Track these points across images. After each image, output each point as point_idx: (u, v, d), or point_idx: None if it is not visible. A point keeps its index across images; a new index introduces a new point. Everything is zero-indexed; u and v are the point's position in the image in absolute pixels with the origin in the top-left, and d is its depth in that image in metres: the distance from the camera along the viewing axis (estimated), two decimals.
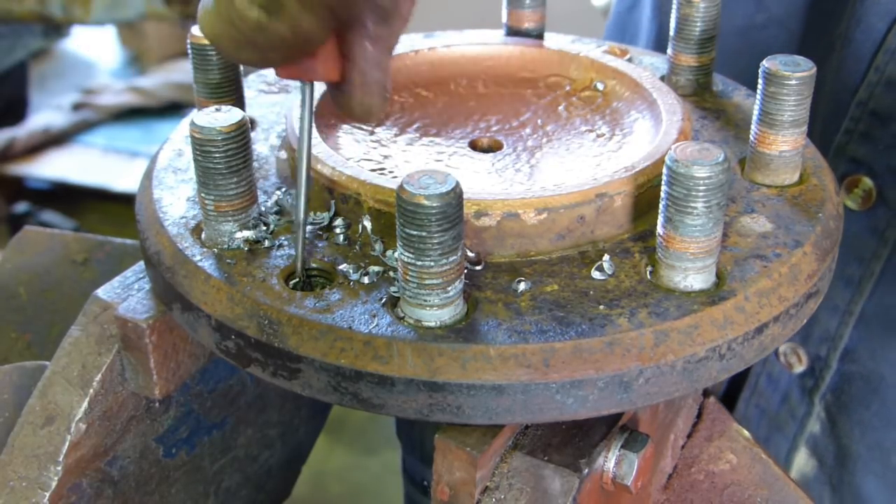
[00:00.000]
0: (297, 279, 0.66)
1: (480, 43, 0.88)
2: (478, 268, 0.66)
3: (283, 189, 0.73)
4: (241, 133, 0.65)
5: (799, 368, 1.08)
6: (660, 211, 0.62)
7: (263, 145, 0.79)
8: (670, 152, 0.61)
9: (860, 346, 1.04)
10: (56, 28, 3.14)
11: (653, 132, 0.75)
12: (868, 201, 0.99)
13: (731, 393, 1.16)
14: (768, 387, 1.11)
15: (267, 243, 0.68)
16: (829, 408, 1.07)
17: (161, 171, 0.77)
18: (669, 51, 0.86)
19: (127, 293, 0.73)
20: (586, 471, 0.62)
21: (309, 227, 0.69)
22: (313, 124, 0.67)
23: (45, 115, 3.25)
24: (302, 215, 0.66)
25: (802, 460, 1.10)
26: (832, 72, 1.02)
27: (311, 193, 0.68)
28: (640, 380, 0.60)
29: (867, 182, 0.99)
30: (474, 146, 0.78)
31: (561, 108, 0.82)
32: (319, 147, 0.72)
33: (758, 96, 0.72)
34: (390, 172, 0.74)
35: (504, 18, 0.94)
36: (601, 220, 0.68)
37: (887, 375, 1.03)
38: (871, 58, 0.97)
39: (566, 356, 0.59)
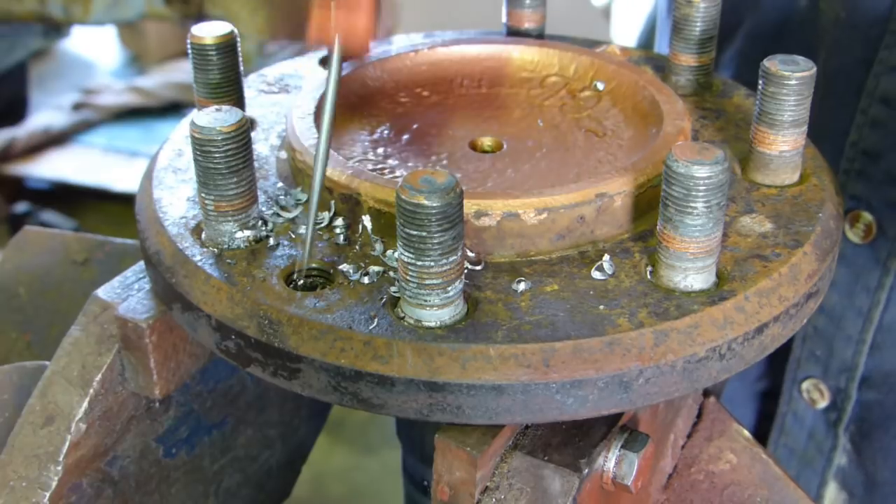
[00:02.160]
0: (297, 272, 0.66)
1: (480, 43, 0.88)
2: (478, 268, 0.66)
3: (283, 189, 0.73)
4: (241, 133, 0.65)
5: (822, 403, 1.11)
6: (660, 211, 0.62)
7: (263, 145, 0.79)
8: (670, 152, 0.61)
9: (875, 372, 1.07)
10: (56, 28, 3.14)
11: (653, 132, 0.75)
12: (869, 234, 1.03)
13: (759, 434, 1.18)
14: (794, 425, 1.13)
15: (272, 241, 0.68)
16: (854, 438, 1.10)
17: (161, 171, 0.77)
18: (669, 51, 0.86)
19: (127, 293, 0.73)
20: (586, 471, 0.62)
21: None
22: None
23: (45, 115, 3.24)
24: (314, 208, 0.66)
25: (833, 494, 1.13)
26: (819, 114, 1.05)
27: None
28: (640, 380, 0.60)
29: (867, 216, 1.03)
30: (474, 146, 0.78)
31: (561, 108, 0.82)
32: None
33: (758, 96, 0.72)
34: (390, 172, 0.74)
35: (504, 18, 0.94)
36: (601, 220, 0.68)
37: None
38: (855, 103, 1.02)
39: (566, 356, 0.59)
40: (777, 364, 1.15)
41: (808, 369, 1.11)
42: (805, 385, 1.11)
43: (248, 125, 0.66)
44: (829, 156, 1.06)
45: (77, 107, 3.28)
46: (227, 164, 0.65)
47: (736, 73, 1.09)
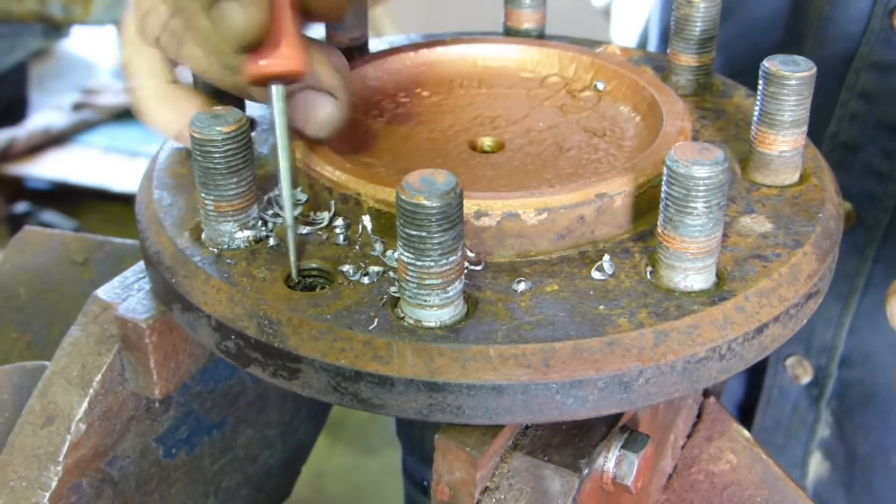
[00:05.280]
0: (294, 281, 0.66)
1: (480, 43, 0.88)
2: (478, 268, 0.66)
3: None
4: (241, 133, 0.65)
5: (805, 379, 1.14)
6: (660, 211, 0.62)
7: (263, 145, 0.79)
8: (670, 152, 0.61)
9: (854, 353, 1.11)
10: (56, 28, 3.14)
11: (653, 132, 0.75)
12: (849, 222, 1.06)
13: (748, 406, 1.24)
14: (780, 398, 1.18)
15: (272, 241, 0.68)
16: (835, 413, 1.14)
17: (161, 171, 0.77)
18: (669, 51, 0.86)
19: (127, 293, 0.73)
20: (586, 471, 0.62)
21: (309, 228, 0.69)
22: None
23: (45, 115, 3.25)
24: (290, 219, 0.66)
25: (817, 463, 1.17)
26: None
27: (294, 198, 0.68)
28: (640, 380, 0.60)
29: (847, 205, 1.04)
30: (474, 146, 0.78)
31: (561, 108, 0.82)
32: (319, 147, 0.72)
33: (758, 96, 0.72)
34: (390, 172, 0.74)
35: (504, 18, 0.94)
36: (601, 220, 0.68)
37: (879, 379, 1.10)
38: (836, 96, 1.04)
39: (566, 356, 0.59)
40: None
41: (792, 347, 1.14)
42: (789, 361, 1.15)
43: (248, 125, 0.66)
44: None
45: (77, 107, 3.28)
46: (227, 164, 0.65)
47: (725, 63, 1.11)
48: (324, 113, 0.71)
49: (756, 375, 1.22)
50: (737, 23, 1.12)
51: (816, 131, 1.06)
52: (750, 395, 1.24)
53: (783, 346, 1.14)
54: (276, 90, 0.66)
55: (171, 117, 0.75)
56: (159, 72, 0.74)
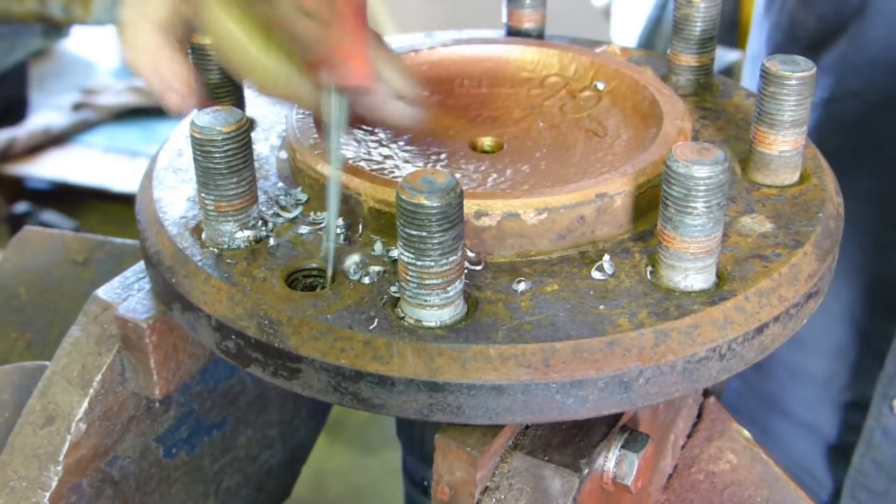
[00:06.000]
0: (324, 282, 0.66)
1: (480, 43, 0.88)
2: (478, 268, 0.66)
3: (283, 189, 0.73)
4: (241, 133, 0.65)
5: None
6: (660, 211, 0.62)
7: (263, 145, 0.79)
8: (670, 152, 0.61)
9: None
10: (56, 28, 3.14)
11: (653, 132, 0.75)
12: None
13: (844, 447, 1.17)
14: (884, 441, 1.11)
15: (272, 241, 0.68)
16: None
17: (161, 171, 0.77)
18: (669, 51, 0.86)
19: (127, 293, 0.73)
20: (586, 471, 0.62)
21: (309, 228, 0.69)
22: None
23: (45, 115, 3.24)
24: (332, 223, 0.67)
25: None
26: None
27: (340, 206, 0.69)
28: (640, 380, 0.60)
29: None
30: (474, 146, 0.78)
31: (561, 108, 0.82)
32: (319, 147, 0.72)
33: (758, 96, 0.72)
34: (390, 172, 0.74)
35: (504, 18, 0.94)
36: (601, 220, 0.68)
37: None
38: None
39: (566, 356, 0.59)
40: (864, 377, 1.13)
41: None
42: None
43: (248, 125, 0.66)
44: None
45: (77, 107, 3.28)
46: (227, 164, 0.65)
47: (837, 80, 1.07)
48: (395, 112, 0.71)
49: (854, 415, 1.16)
50: (849, 40, 1.07)
51: None
52: (845, 436, 1.17)
53: (890, 386, 1.11)
54: (336, 100, 0.67)
55: (149, 70, 0.71)
56: (157, 18, 0.71)
